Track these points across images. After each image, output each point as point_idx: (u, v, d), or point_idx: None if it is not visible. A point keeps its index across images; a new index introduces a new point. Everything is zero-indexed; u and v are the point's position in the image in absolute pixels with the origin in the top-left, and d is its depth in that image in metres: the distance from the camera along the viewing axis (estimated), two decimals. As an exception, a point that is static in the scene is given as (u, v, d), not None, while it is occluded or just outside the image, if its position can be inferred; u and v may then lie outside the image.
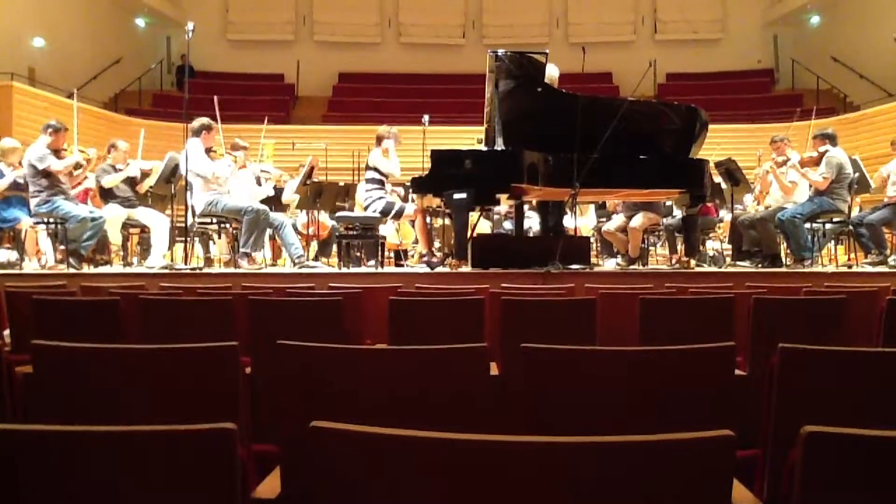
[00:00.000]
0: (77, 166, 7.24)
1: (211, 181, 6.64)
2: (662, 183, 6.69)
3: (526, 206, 7.86)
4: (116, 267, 7.37)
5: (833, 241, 8.10)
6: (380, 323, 3.38)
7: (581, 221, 8.42)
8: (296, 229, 7.41)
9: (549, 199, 7.27)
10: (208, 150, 6.85)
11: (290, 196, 8.45)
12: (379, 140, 7.29)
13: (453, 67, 16.59)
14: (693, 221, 7.13)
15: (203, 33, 12.32)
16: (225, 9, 17.21)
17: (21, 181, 6.91)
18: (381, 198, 7.19)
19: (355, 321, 3.47)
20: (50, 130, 6.80)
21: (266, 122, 10.64)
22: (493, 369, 2.86)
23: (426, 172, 6.55)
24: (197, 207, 6.69)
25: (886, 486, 1.04)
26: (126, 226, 7.47)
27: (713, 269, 7.36)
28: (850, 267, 7.22)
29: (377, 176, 7.25)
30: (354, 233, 7.39)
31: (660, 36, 17.34)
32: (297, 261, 6.72)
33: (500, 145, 6.45)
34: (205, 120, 6.91)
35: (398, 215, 7.30)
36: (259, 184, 8.11)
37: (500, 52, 6.54)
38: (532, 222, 8.63)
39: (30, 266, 6.90)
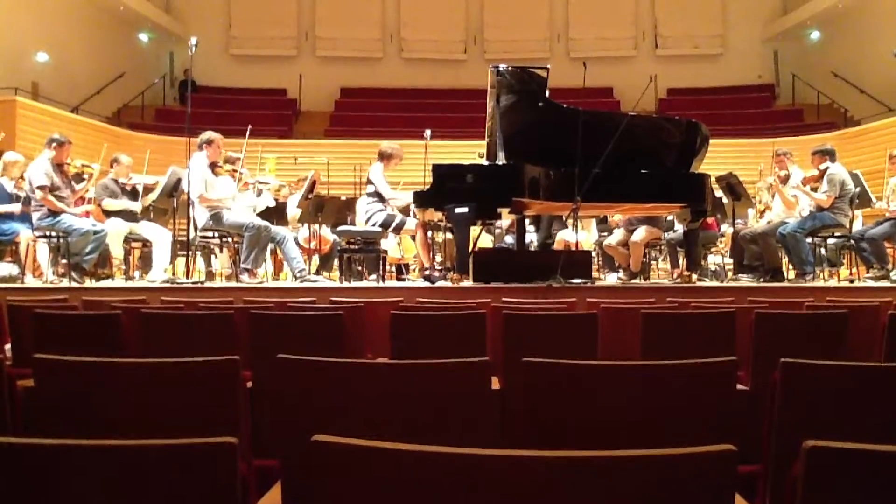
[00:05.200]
0: (79, 179, 7.26)
1: (203, 201, 6.63)
2: (664, 197, 6.70)
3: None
4: (118, 281, 7.37)
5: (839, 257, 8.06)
6: (381, 337, 3.38)
7: (582, 236, 8.42)
8: (297, 243, 7.42)
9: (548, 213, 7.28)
10: (213, 165, 6.87)
11: (292, 211, 8.46)
12: (380, 156, 7.31)
13: (455, 82, 16.65)
14: (694, 236, 7.13)
15: (206, 48, 12.40)
16: (227, 24, 17.29)
17: (21, 196, 6.93)
18: (381, 210, 7.21)
19: (357, 335, 3.47)
20: (54, 144, 6.81)
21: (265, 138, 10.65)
22: (495, 383, 2.86)
23: (428, 187, 6.57)
24: (199, 221, 6.70)
25: (889, 501, 1.04)
26: (128, 240, 7.47)
27: (715, 283, 7.36)
28: (851, 282, 7.21)
29: (377, 189, 7.27)
30: (356, 247, 7.39)
31: (660, 51, 17.40)
32: (298, 275, 6.72)
33: (501, 160, 6.47)
34: (210, 134, 6.93)
35: (398, 228, 7.30)
36: (258, 195, 8.13)
37: (502, 67, 6.57)
38: (531, 236, 8.63)
39: (31, 280, 6.90)
